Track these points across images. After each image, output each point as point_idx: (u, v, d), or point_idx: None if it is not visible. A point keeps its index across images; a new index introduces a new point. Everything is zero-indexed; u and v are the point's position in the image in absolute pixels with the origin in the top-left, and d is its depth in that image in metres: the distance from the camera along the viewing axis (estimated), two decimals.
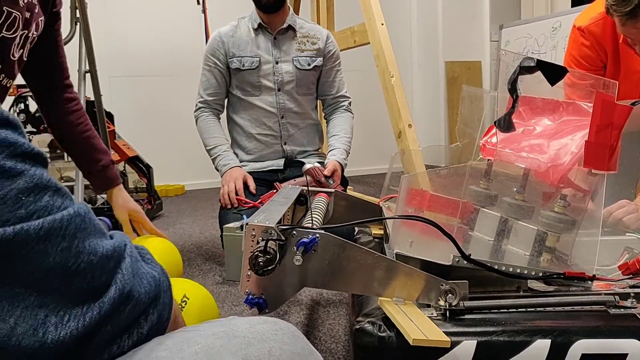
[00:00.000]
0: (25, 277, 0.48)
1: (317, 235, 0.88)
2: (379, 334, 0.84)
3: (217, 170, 2.24)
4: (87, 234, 0.53)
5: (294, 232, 0.89)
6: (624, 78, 1.71)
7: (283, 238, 0.86)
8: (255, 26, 2.25)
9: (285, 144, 2.27)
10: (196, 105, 2.34)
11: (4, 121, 0.50)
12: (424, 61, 5.88)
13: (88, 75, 2.36)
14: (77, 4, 2.17)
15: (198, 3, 3.43)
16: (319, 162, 2.20)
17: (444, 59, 5.58)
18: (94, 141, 1.60)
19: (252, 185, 2.10)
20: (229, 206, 2.04)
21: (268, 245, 0.83)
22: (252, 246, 0.86)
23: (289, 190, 1.40)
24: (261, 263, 0.82)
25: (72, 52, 2.36)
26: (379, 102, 2.57)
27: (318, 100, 2.48)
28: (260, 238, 0.85)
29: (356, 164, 4.92)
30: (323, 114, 2.49)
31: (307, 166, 2.08)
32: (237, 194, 2.05)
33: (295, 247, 0.88)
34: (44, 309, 0.48)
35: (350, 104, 2.43)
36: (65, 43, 1.99)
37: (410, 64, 5.86)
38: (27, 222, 0.47)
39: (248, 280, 0.89)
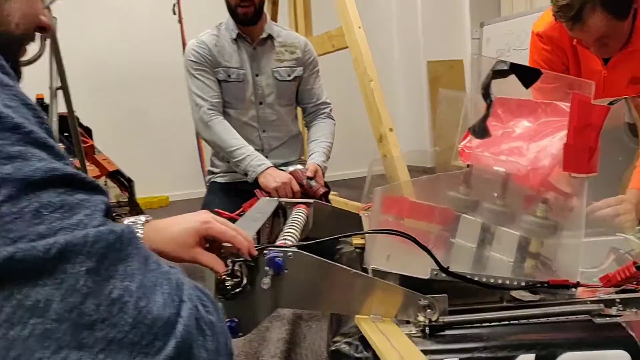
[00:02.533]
0: (53, 309, 0.42)
1: (290, 253, 0.85)
2: (356, 354, 0.81)
3: (245, 173, 2.09)
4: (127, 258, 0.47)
5: (265, 251, 0.85)
6: (586, 78, 1.71)
7: (251, 260, 0.82)
8: (234, 36, 2.20)
9: (267, 157, 2.22)
10: (202, 110, 2.16)
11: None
12: (405, 62, 5.87)
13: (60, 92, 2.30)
14: None
15: (174, 13, 3.39)
16: (300, 165, 2.16)
17: (425, 59, 5.57)
18: None
19: (298, 191, 2.02)
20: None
21: (236, 267, 0.80)
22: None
23: (265, 203, 1.36)
24: (228, 287, 0.78)
25: (42, 69, 2.33)
26: (363, 105, 2.54)
27: (298, 109, 2.44)
28: (229, 260, 0.82)
29: (342, 167, 4.90)
30: (304, 122, 2.45)
31: (290, 168, 2.03)
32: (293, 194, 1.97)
33: (267, 267, 0.84)
34: (84, 352, 0.43)
35: (331, 110, 2.40)
36: (35, 59, 1.94)
37: (391, 66, 5.85)
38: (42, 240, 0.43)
39: (219, 303, 0.85)
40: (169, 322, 0.47)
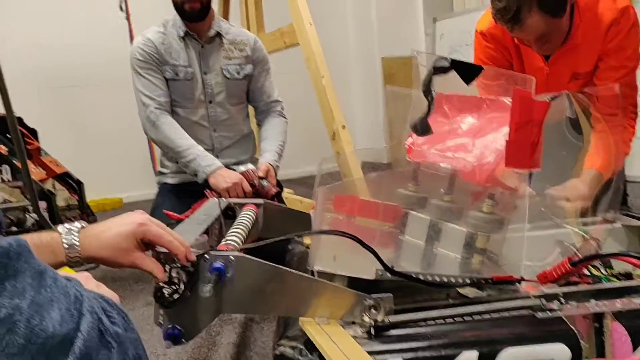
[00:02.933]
0: None
1: (232, 257, 0.83)
2: (300, 358, 0.79)
3: (194, 174, 2.05)
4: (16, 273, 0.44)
5: (207, 256, 0.83)
6: (529, 75, 1.75)
7: (190, 266, 0.80)
8: (182, 34, 2.16)
9: (218, 156, 2.18)
10: (149, 109, 2.10)
11: None
12: (360, 58, 5.89)
13: None
14: None
15: (121, 9, 3.31)
16: (251, 165, 2.14)
17: (380, 55, 5.60)
18: None
19: (249, 191, 1.99)
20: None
21: (173, 274, 0.77)
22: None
23: (212, 205, 1.33)
24: (166, 295, 0.76)
25: None
26: (317, 102, 2.54)
27: (250, 107, 2.41)
28: (167, 267, 0.79)
29: (297, 165, 4.89)
30: (256, 121, 2.43)
31: (241, 168, 2.01)
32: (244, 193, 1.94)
33: (209, 273, 0.82)
34: None
35: (283, 108, 2.37)
36: None
37: (346, 62, 5.86)
38: None
39: (160, 311, 0.83)
40: (66, 339, 0.45)
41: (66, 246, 0.76)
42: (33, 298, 0.44)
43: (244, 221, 1.21)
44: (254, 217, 1.33)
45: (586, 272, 1.03)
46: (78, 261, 0.77)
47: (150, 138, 2.18)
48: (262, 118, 2.36)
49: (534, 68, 1.71)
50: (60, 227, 0.81)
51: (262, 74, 2.30)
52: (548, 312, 0.86)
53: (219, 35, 2.21)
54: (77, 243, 0.77)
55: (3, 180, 2.87)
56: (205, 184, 2.00)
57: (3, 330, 0.42)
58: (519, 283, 0.94)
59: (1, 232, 0.47)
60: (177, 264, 0.79)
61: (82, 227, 0.81)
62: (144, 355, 0.57)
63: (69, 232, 0.79)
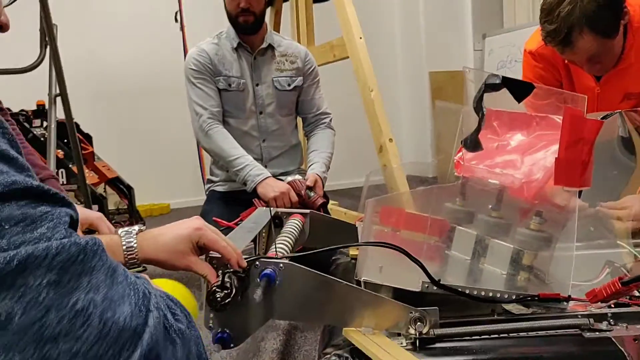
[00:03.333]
0: (15, 322, 0.42)
1: (281, 265, 0.85)
2: None
3: (244, 183, 2.09)
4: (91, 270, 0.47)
5: (257, 262, 0.86)
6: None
7: (241, 271, 0.82)
8: (235, 45, 2.22)
9: (266, 166, 2.23)
10: (202, 119, 2.16)
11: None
12: (408, 72, 5.88)
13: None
14: (45, 27, 2.14)
15: (176, 21, 3.41)
16: (299, 175, 2.17)
17: (427, 69, 5.58)
18: (29, 157, 1.56)
19: (294, 197, 2.02)
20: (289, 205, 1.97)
21: (226, 279, 0.80)
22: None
23: (261, 214, 1.36)
24: (218, 299, 0.79)
25: (44, 76, 2.34)
26: (364, 115, 2.56)
27: (298, 119, 2.45)
28: (220, 272, 0.82)
29: (343, 177, 4.91)
30: (304, 132, 2.46)
31: (289, 178, 2.03)
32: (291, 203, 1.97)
33: (258, 279, 0.85)
34: None
35: (331, 120, 2.40)
36: (35, 66, 1.96)
37: (394, 76, 5.86)
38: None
39: (211, 314, 0.86)
40: (135, 332, 0.48)
41: (125, 248, 0.80)
42: (106, 293, 0.47)
43: (291, 230, 1.24)
44: (301, 227, 1.35)
45: (636, 293, 1.01)
46: (135, 262, 0.81)
47: (202, 147, 2.23)
48: (310, 129, 2.40)
49: (584, 88, 1.69)
50: (119, 230, 0.85)
51: (312, 87, 2.34)
52: (596, 332, 0.85)
53: (271, 47, 2.26)
54: (135, 245, 0.81)
55: None
56: (254, 192, 2.04)
57: (80, 322, 0.44)
58: (566, 302, 0.94)
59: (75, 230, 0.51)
60: (229, 269, 0.82)
61: (140, 230, 0.84)
62: (205, 353, 0.59)
63: (128, 235, 0.83)
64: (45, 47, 2.20)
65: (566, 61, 1.67)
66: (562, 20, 1.44)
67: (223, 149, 2.13)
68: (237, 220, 1.67)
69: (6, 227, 0.44)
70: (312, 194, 2.01)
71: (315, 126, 2.38)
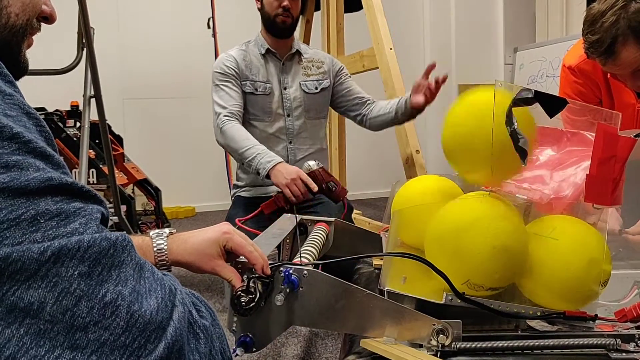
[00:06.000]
0: (47, 311, 0.44)
1: (305, 271, 0.86)
2: None
3: (257, 172, 2.03)
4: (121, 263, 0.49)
5: (282, 268, 0.86)
6: (619, 111, 1.69)
7: (266, 277, 0.83)
8: (263, 51, 2.27)
9: None
10: (219, 117, 2.16)
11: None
12: None
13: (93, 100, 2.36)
14: (83, 30, 2.18)
15: (208, 27, 3.46)
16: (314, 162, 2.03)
17: (457, 82, 5.55)
18: None
19: (311, 184, 1.92)
20: (301, 198, 1.90)
21: (251, 284, 0.81)
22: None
23: (285, 221, 1.37)
24: (243, 303, 0.79)
25: (78, 77, 2.39)
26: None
27: (327, 126, 2.46)
28: (245, 276, 0.83)
29: (369, 187, 4.90)
30: (358, 121, 2.43)
31: (310, 163, 1.93)
32: (301, 194, 1.88)
33: (282, 285, 0.85)
34: (78, 352, 0.45)
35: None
36: (72, 68, 2.00)
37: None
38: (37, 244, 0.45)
39: (234, 318, 0.87)
40: (160, 325, 0.49)
41: (156, 250, 0.82)
42: (134, 286, 0.49)
43: (316, 238, 1.24)
44: (325, 235, 1.35)
45: None
46: (164, 264, 0.82)
47: (219, 144, 2.22)
48: (364, 111, 2.39)
49: (624, 104, 1.65)
50: (151, 232, 0.87)
51: (346, 81, 2.40)
52: (623, 353, 0.83)
53: (298, 53, 2.32)
54: (165, 247, 0.83)
55: (89, 183, 3.04)
56: (268, 179, 2.00)
57: (108, 313, 0.47)
58: (593, 320, 0.92)
59: (107, 227, 0.52)
60: (254, 274, 0.82)
61: (171, 233, 0.86)
62: (229, 350, 0.61)
63: (159, 237, 0.84)
64: (82, 50, 2.25)
65: (608, 76, 1.62)
66: (606, 31, 1.40)
67: (236, 141, 2.09)
68: (257, 211, 1.65)
69: (41, 221, 0.46)
70: (331, 186, 1.92)
71: (364, 105, 2.39)
